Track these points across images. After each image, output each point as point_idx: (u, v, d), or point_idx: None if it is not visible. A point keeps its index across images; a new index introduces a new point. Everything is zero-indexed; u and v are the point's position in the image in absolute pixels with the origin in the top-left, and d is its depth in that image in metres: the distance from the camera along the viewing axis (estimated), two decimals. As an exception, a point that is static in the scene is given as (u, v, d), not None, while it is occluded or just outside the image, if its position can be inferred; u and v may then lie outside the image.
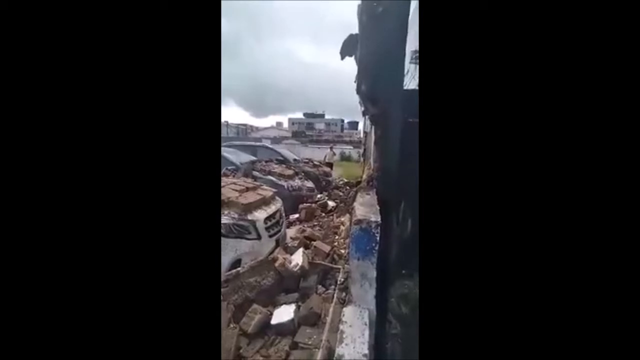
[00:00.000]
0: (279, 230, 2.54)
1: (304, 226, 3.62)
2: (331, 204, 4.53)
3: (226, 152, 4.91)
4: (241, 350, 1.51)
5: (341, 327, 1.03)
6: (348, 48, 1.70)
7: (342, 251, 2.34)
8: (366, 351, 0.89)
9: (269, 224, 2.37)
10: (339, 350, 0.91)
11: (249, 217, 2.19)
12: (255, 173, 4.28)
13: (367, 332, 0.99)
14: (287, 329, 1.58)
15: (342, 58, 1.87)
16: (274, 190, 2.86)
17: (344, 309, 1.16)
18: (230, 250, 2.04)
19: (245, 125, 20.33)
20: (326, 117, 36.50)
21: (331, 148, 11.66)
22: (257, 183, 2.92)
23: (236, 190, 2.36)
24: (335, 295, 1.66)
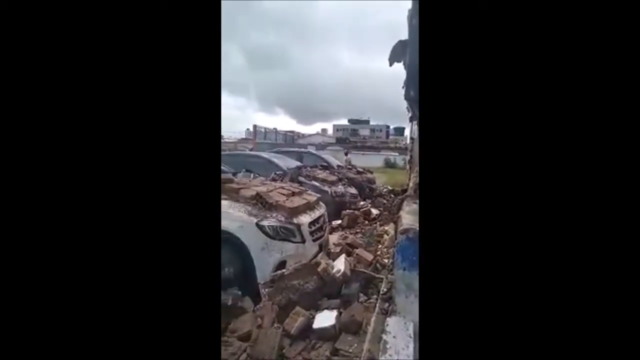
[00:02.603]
0: (322, 235, 2.58)
1: (346, 233, 3.61)
2: (374, 211, 4.45)
3: (275, 158, 5.15)
4: (284, 350, 1.55)
5: (384, 337, 1.01)
6: (397, 54, 1.68)
7: (385, 260, 2.28)
8: (410, 364, 0.86)
9: (313, 228, 2.42)
10: (382, 360, 0.89)
11: (295, 220, 2.26)
12: (301, 178, 4.41)
13: (412, 345, 0.95)
14: (328, 334, 1.60)
15: (391, 64, 1.86)
16: (318, 195, 2.91)
17: (388, 319, 1.13)
18: (276, 251, 2.12)
19: (292, 132, 21.10)
20: (371, 123, 36.06)
21: (346, 154, 11.45)
22: (303, 188, 3.01)
23: (283, 194, 2.46)
24: (377, 305, 1.62)
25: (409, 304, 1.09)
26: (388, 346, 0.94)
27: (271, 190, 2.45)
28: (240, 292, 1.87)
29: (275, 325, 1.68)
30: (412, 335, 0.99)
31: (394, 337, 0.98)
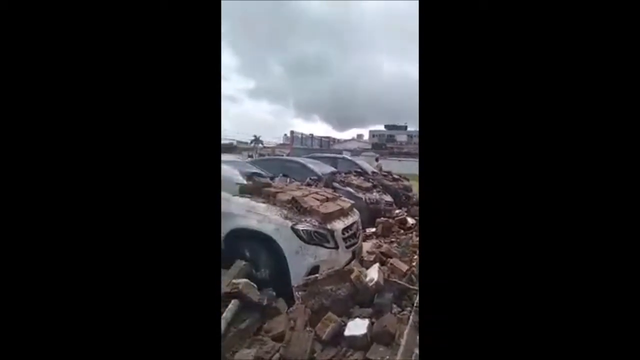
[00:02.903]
0: (356, 242, 2.57)
1: (380, 241, 3.55)
2: (411, 221, 4.31)
3: (310, 163, 5.26)
4: (315, 355, 1.58)
5: (417, 351, 0.98)
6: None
7: (421, 272, 2.20)
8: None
9: (347, 234, 2.42)
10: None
11: (328, 226, 2.29)
12: (335, 184, 4.44)
13: None
14: (360, 343, 1.59)
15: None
16: (352, 202, 2.91)
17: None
18: (309, 256, 2.17)
19: (328, 137, 21.32)
20: (409, 129, 35.06)
21: (377, 159, 11.06)
22: (337, 194, 3.04)
23: (317, 200, 2.51)
24: (411, 318, 1.58)
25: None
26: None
27: (306, 195, 2.51)
28: (274, 293, 1.94)
29: (308, 328, 1.71)
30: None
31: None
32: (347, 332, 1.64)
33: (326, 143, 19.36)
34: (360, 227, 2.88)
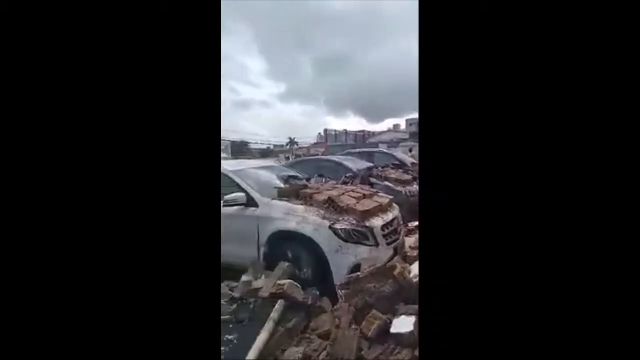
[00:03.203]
0: (397, 238, 2.51)
1: (424, 235, 3.41)
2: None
3: (345, 161, 5.24)
4: (362, 352, 1.59)
5: None
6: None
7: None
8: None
9: (387, 231, 2.38)
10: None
11: (367, 224, 2.27)
12: (372, 180, 4.37)
13: None
14: (407, 341, 1.56)
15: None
16: (391, 197, 2.85)
17: None
18: (350, 254, 2.18)
19: (363, 131, 20.98)
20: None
21: (411, 150, 10.43)
22: (374, 190, 2.99)
23: (354, 198, 2.50)
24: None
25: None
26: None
27: (342, 194, 2.52)
28: (318, 293, 1.99)
29: (353, 327, 1.72)
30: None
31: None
32: (393, 330, 1.62)
33: (361, 138, 19.08)
34: (402, 223, 2.80)
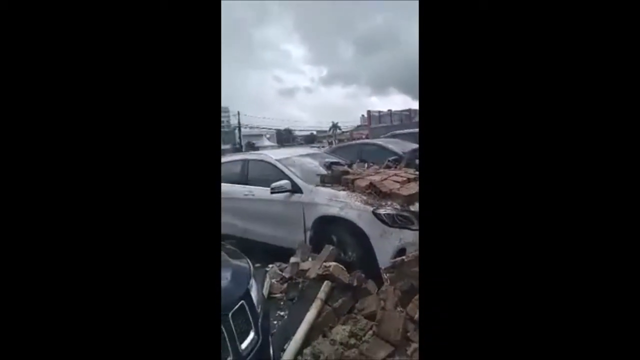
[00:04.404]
0: (445, 222, 2.42)
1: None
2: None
3: (389, 144, 5.08)
4: (408, 334, 1.61)
5: None
6: None
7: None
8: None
9: (433, 215, 2.31)
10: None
11: (412, 208, 2.23)
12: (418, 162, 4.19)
13: None
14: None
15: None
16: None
17: None
18: (394, 239, 2.17)
19: (408, 110, 19.89)
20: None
21: None
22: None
23: (398, 182, 2.46)
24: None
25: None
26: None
27: (385, 179, 2.49)
28: (363, 275, 2.04)
29: (399, 309, 1.75)
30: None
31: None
32: (440, 314, 1.61)
33: (407, 117, 18.09)
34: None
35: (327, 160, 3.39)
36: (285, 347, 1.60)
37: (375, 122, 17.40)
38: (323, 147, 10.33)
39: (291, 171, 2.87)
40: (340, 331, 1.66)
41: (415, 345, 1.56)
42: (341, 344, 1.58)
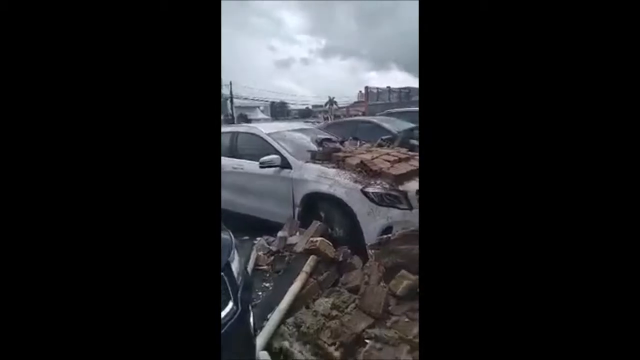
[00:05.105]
0: (434, 202, 2.44)
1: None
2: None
3: (384, 122, 5.00)
4: (390, 308, 1.67)
5: None
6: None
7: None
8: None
9: (422, 195, 2.32)
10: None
11: (401, 187, 2.23)
12: (413, 141, 4.16)
13: None
14: (435, 301, 1.60)
15: None
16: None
17: None
18: (382, 217, 2.19)
19: (407, 88, 19.42)
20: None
21: None
22: (412, 154, 2.87)
23: (388, 162, 2.44)
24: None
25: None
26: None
27: (375, 158, 2.47)
28: (349, 251, 2.08)
29: (382, 284, 1.80)
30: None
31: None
32: (421, 290, 1.66)
33: (405, 95, 17.72)
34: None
35: (319, 136, 3.33)
36: (268, 316, 1.64)
37: (373, 98, 17.05)
38: (319, 122, 10.14)
39: (281, 146, 2.82)
40: (323, 303, 1.71)
41: (395, 318, 1.63)
42: (323, 315, 1.64)
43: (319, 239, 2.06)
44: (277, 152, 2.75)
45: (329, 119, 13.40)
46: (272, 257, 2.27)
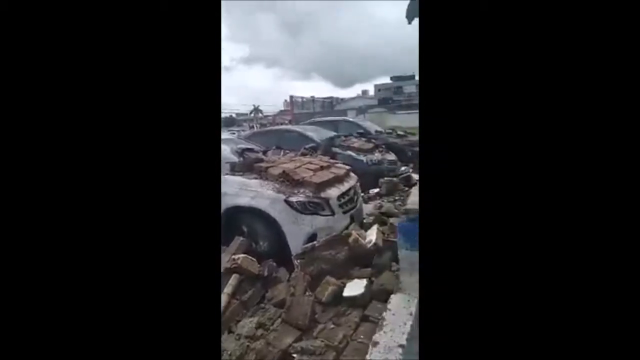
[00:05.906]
0: (354, 207, 2.59)
1: (382, 202, 3.56)
2: (415, 177, 4.26)
3: (308, 131, 5.15)
4: (316, 316, 1.68)
5: (384, 314, 1.02)
6: (413, 11, 1.49)
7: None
8: (404, 342, 0.87)
9: (343, 200, 2.44)
10: (375, 337, 0.91)
11: (322, 195, 2.30)
12: (335, 149, 4.37)
13: (409, 323, 0.95)
14: (358, 302, 1.67)
15: (410, 22, 1.65)
16: (348, 167, 2.88)
17: (392, 296, 1.13)
18: (306, 225, 2.21)
19: (330, 98, 20.48)
20: (417, 78, 32.91)
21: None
22: (332, 161, 3.00)
23: (310, 170, 2.49)
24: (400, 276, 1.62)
25: (414, 282, 1.07)
26: (385, 323, 0.96)
27: (298, 167, 2.50)
28: (275, 264, 2.03)
29: (307, 293, 1.80)
30: (412, 313, 0.99)
31: (393, 314, 0.99)
32: (345, 293, 1.71)
33: (329, 104, 18.70)
34: (359, 191, 2.87)
35: (239, 146, 3.20)
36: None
37: (298, 107, 17.43)
38: (244, 130, 9.83)
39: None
40: (247, 324, 1.62)
41: (321, 326, 1.64)
42: (247, 337, 1.54)
43: (241, 256, 1.96)
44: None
45: (255, 127, 13.13)
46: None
